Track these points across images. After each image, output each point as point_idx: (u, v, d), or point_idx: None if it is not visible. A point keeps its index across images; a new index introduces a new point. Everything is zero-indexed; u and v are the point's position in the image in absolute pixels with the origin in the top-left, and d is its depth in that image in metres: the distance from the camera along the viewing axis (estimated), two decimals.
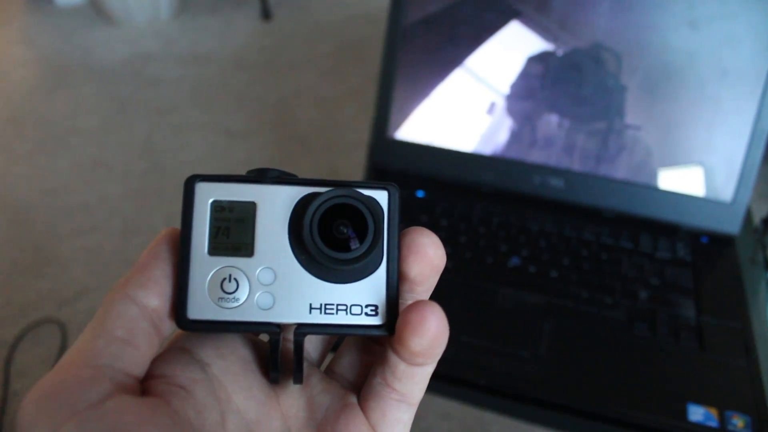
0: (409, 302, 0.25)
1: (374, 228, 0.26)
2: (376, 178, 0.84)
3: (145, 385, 0.24)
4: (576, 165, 0.77)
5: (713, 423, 0.58)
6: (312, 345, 0.30)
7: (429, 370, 0.26)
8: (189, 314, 0.26)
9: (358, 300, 0.26)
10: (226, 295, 0.26)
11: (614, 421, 0.58)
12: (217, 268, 0.26)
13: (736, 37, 0.72)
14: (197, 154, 1.63)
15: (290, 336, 0.28)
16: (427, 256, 0.26)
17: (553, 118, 0.77)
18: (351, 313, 0.26)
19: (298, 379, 0.27)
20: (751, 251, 0.80)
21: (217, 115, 1.75)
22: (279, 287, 0.26)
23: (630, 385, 0.61)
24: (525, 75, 0.78)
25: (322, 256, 0.25)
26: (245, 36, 2.07)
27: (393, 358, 0.26)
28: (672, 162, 0.76)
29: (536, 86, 0.77)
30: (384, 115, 0.82)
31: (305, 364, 0.28)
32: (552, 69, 0.77)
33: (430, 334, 0.24)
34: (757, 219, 0.86)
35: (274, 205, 0.26)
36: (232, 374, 0.27)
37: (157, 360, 0.26)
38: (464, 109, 0.80)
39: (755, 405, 0.59)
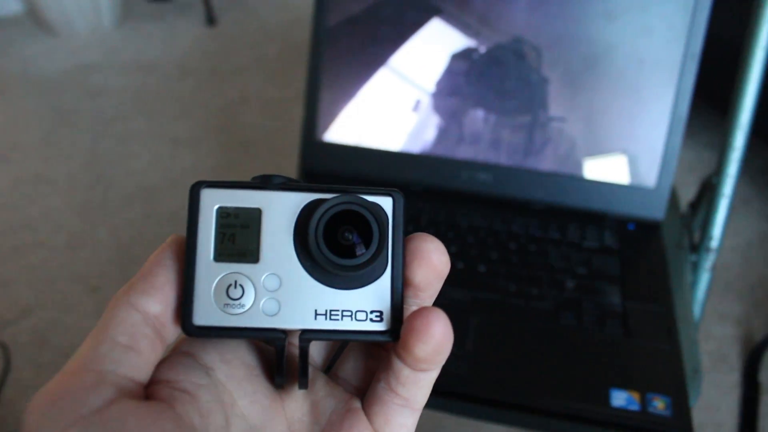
0: (413, 308, 0.26)
1: (379, 234, 0.26)
2: (307, 182, 0.83)
3: (149, 391, 0.25)
4: (503, 159, 0.78)
5: (635, 406, 0.59)
6: (316, 350, 0.30)
7: (433, 375, 0.27)
8: (195, 320, 0.26)
9: (362, 306, 0.26)
10: (232, 302, 0.26)
11: (539, 412, 0.59)
12: (223, 274, 0.26)
13: (650, 28, 0.73)
14: (143, 163, 1.61)
15: (295, 341, 0.29)
16: (432, 262, 0.26)
17: (478, 114, 0.78)
18: (356, 319, 0.26)
19: (303, 384, 0.27)
20: (677, 236, 0.81)
21: (162, 124, 1.73)
22: (284, 293, 0.26)
23: (556, 375, 0.62)
24: (449, 72, 0.78)
25: (327, 263, 0.25)
26: (190, 42, 2.05)
27: (397, 364, 0.26)
28: (596, 151, 0.77)
29: (460, 83, 0.78)
30: (312, 117, 0.82)
31: (310, 369, 0.28)
32: (475, 65, 0.77)
33: (435, 340, 0.25)
34: (684, 204, 0.88)
35: (280, 212, 0.26)
36: (236, 379, 0.27)
37: (162, 365, 0.26)
38: (390, 109, 0.80)
39: (675, 386, 0.60)
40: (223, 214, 0.26)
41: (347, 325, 0.26)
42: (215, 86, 1.85)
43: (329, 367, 0.30)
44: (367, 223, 0.26)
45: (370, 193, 0.27)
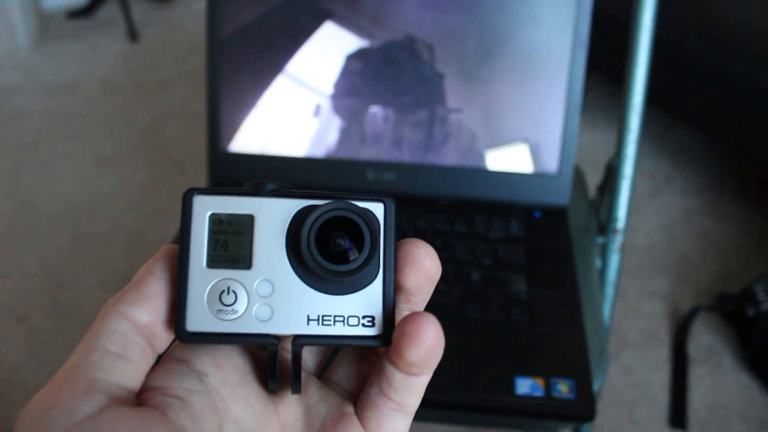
0: (405, 313, 0.27)
1: (370, 240, 0.26)
2: None
3: (141, 398, 0.25)
4: (406, 157, 0.78)
5: (539, 392, 0.59)
6: (310, 354, 0.30)
7: (425, 379, 0.27)
8: (188, 326, 0.26)
9: (355, 311, 0.27)
10: (225, 308, 0.26)
11: (445, 405, 0.59)
12: (216, 280, 0.26)
13: (537, 17, 0.75)
14: (69, 186, 1.57)
15: (288, 346, 0.28)
16: (423, 267, 0.27)
17: (378, 113, 0.78)
18: (348, 324, 0.26)
19: (296, 389, 0.27)
20: (585, 219, 0.83)
21: (87, 144, 1.69)
22: (277, 299, 0.26)
23: (462, 368, 0.62)
24: (345, 73, 0.78)
25: (319, 269, 0.26)
26: (112, 59, 2.01)
27: (389, 368, 0.26)
28: (497, 142, 0.78)
29: (358, 83, 0.78)
30: (215, 129, 0.81)
31: (303, 374, 0.29)
32: (370, 65, 0.77)
33: (427, 344, 0.25)
34: (592, 188, 0.90)
35: (272, 218, 0.27)
36: (230, 384, 0.27)
37: (154, 372, 0.26)
38: (292, 115, 0.79)
39: (579, 368, 0.61)
40: (216, 220, 0.26)
41: (339, 330, 0.26)
42: (140, 102, 1.82)
43: (323, 372, 0.30)
44: (359, 229, 0.26)
45: (361, 199, 0.27)
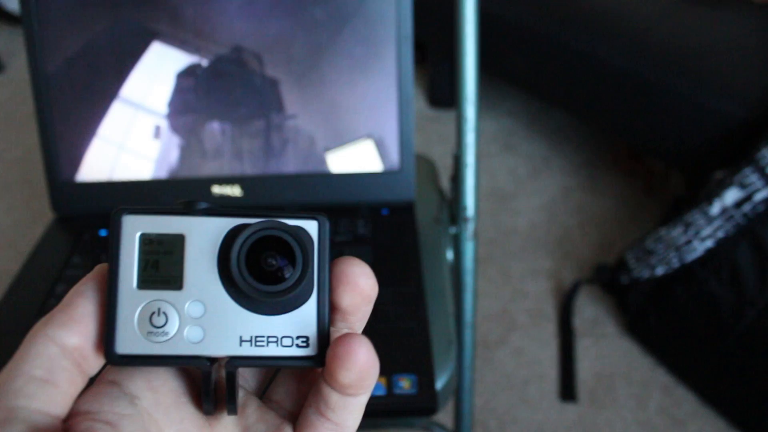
0: (343, 331, 0.26)
1: (303, 259, 0.26)
2: (61, 227, 0.80)
3: (69, 423, 0.24)
4: (248, 169, 0.77)
5: (381, 391, 0.60)
6: (250, 373, 0.30)
7: (363, 399, 0.26)
8: (117, 349, 0.25)
9: (288, 332, 0.26)
10: (156, 329, 0.25)
11: None
12: (146, 302, 0.26)
13: (361, 14, 0.75)
14: None
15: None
16: (358, 286, 0.27)
17: (215, 128, 0.77)
18: (282, 345, 0.26)
19: (232, 410, 0.27)
20: (436, 211, 0.84)
21: None
22: (208, 320, 0.26)
23: None
24: (178, 91, 0.77)
25: (250, 289, 0.25)
26: None
27: (326, 389, 0.26)
28: (336, 144, 0.78)
29: (191, 100, 0.77)
30: (53, 162, 0.78)
31: (242, 393, 0.28)
32: (201, 80, 0.76)
33: (358, 366, 0.25)
34: (445, 181, 0.91)
35: (203, 238, 0.26)
36: (163, 407, 0.26)
37: (84, 396, 0.25)
38: (132, 139, 0.77)
39: (421, 363, 0.62)
40: (146, 240, 0.26)
41: (273, 351, 0.26)
42: (10, 136, 1.74)
43: (265, 391, 0.30)
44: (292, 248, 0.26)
45: (295, 217, 0.26)
